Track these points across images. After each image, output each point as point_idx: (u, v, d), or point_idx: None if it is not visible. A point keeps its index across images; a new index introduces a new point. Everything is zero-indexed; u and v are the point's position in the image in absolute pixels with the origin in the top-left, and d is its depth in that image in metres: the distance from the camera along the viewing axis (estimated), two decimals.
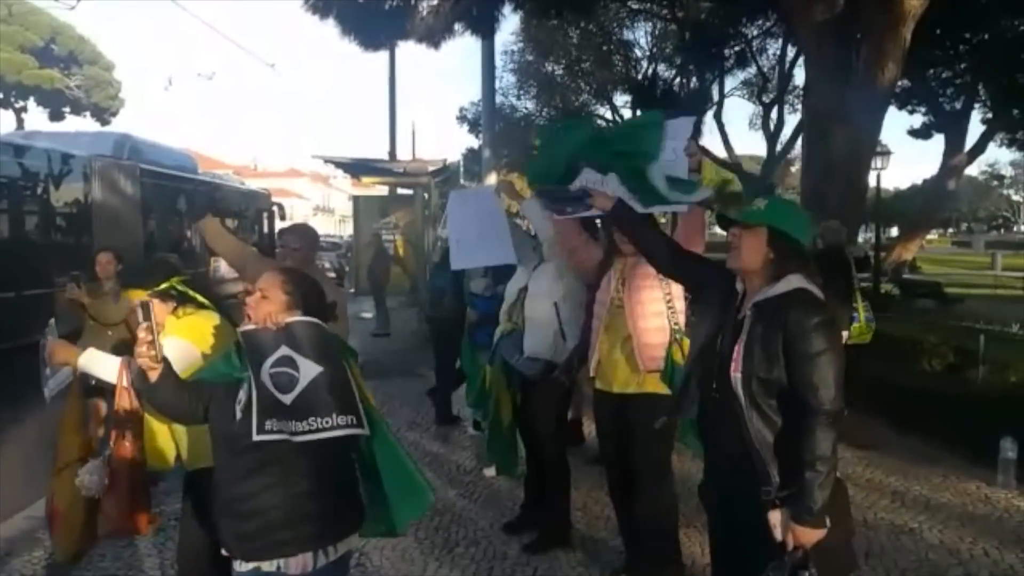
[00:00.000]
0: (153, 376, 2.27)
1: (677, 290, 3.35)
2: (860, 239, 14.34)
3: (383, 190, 15.88)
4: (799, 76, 21.28)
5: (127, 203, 12.38)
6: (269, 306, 2.20)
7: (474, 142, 31.25)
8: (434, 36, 12.18)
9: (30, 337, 5.48)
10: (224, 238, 3.92)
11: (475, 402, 4.34)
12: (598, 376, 3.47)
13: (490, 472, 5.08)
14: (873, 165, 13.12)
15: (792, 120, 22.74)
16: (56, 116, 33.73)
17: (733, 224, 2.41)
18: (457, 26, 12.17)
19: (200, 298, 2.85)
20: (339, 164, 11.47)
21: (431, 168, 11.35)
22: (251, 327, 2.15)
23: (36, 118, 33.49)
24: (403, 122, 52.84)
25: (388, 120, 18.14)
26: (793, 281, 2.28)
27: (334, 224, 60.85)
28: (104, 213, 11.68)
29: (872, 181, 13.54)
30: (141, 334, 2.26)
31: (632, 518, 3.64)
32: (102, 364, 2.62)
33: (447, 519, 4.50)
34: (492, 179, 12.50)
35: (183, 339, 2.71)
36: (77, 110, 34.44)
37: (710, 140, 24.73)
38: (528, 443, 4.16)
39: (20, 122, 32.58)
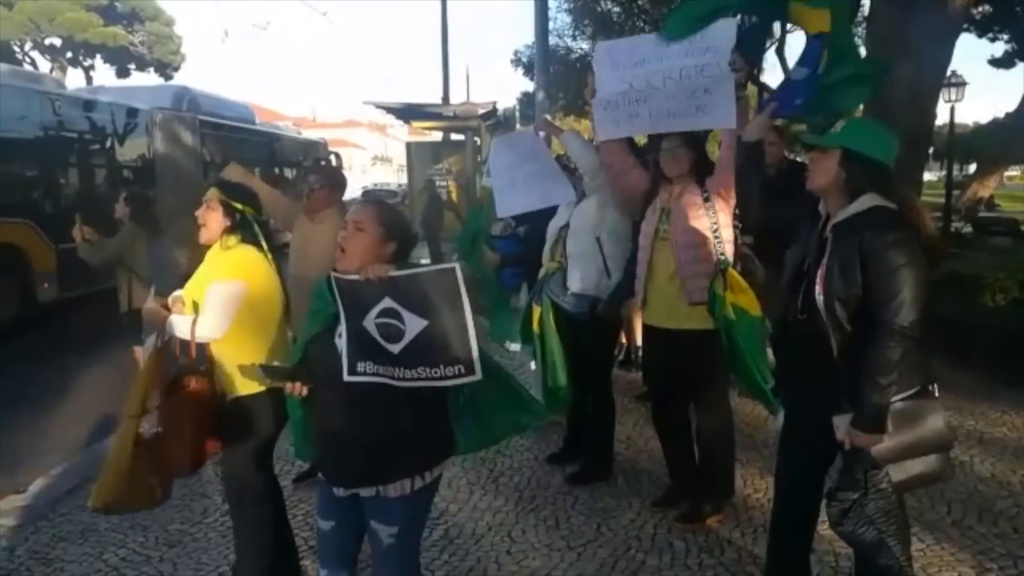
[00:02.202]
0: None
1: (724, 218, 3.30)
2: (933, 176, 13.76)
3: (437, 136, 15.91)
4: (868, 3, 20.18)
5: (187, 154, 12.71)
6: (365, 239, 2.19)
7: (529, 86, 30.63)
8: None
9: (98, 285, 5.76)
10: (250, 184, 3.93)
11: (524, 339, 4.35)
12: (645, 311, 3.48)
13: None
14: (945, 97, 12.45)
15: (862, 52, 21.62)
16: (122, 73, 34.52)
17: (812, 147, 2.43)
18: None
19: (259, 233, 2.92)
20: (390, 109, 11.51)
21: (481, 111, 11.26)
22: (351, 276, 2.10)
23: (103, 75, 34.56)
24: (458, 68, 52.30)
25: (441, 65, 18.04)
26: (867, 200, 2.31)
27: (392, 173, 61.17)
28: (166, 164, 12.04)
29: (944, 115, 12.88)
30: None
31: (676, 449, 3.69)
32: (180, 324, 2.78)
33: (493, 451, 4.58)
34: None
35: (228, 279, 2.79)
36: (141, 66, 35.14)
37: (772, 76, 23.79)
38: (575, 378, 4.19)
39: (89, 79, 33.52)
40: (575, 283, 3.83)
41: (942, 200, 16.42)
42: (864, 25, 20.72)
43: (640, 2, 25.64)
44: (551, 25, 23.99)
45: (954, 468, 2.54)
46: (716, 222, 3.31)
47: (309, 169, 4.85)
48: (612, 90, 3.37)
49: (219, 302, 2.77)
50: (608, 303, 3.67)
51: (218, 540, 3.61)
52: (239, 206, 2.91)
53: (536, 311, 3.97)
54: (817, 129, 2.94)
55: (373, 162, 62.08)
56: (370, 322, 2.09)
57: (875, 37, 10.07)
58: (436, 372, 2.06)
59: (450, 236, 13.19)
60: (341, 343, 2.15)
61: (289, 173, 17.96)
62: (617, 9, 27.07)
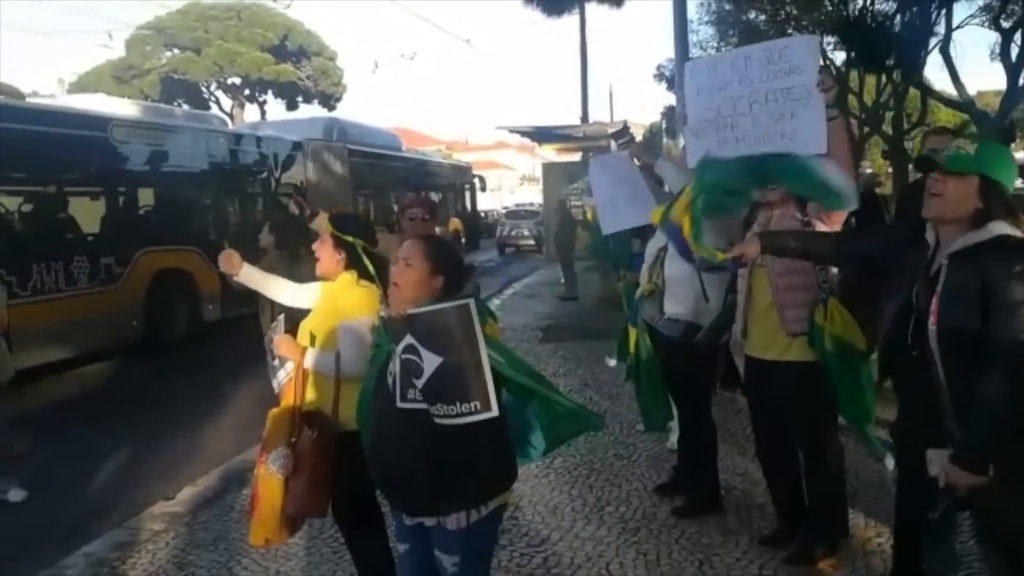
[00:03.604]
0: None
1: None
2: None
3: (576, 157, 15.98)
4: None
5: (337, 181, 13.54)
6: (413, 274, 2.29)
7: (673, 100, 30.33)
8: None
9: (256, 307, 6.26)
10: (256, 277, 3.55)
11: (617, 355, 4.34)
12: (745, 341, 3.34)
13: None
14: None
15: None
16: (291, 106, 37.30)
17: (934, 169, 2.26)
18: None
19: (368, 266, 2.97)
20: (524, 133, 11.71)
21: (611, 130, 11.23)
22: (386, 314, 2.23)
23: (275, 109, 37.34)
24: (602, 86, 52.26)
25: (580, 83, 18.17)
26: (994, 228, 2.15)
27: (539, 192, 62.08)
28: (318, 191, 12.89)
29: None
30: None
31: (782, 486, 3.50)
32: (322, 359, 2.87)
33: (602, 478, 4.55)
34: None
35: (359, 316, 2.85)
36: (308, 98, 37.83)
37: (939, 77, 22.01)
38: (676, 405, 4.10)
39: (263, 113, 36.53)
40: (670, 307, 3.74)
41: None
42: None
43: (788, 9, 24.60)
44: (694, 38, 23.54)
45: None
46: None
47: (409, 200, 4.96)
48: (701, 117, 3.29)
49: (355, 340, 2.81)
50: (708, 333, 3.53)
51: (329, 555, 3.80)
52: (349, 239, 2.98)
53: (632, 332, 3.91)
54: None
55: (521, 182, 63.22)
56: (398, 357, 2.17)
57: None
58: (452, 410, 2.07)
59: (584, 255, 13.20)
60: (390, 378, 2.25)
61: (435, 196, 18.69)
62: (763, 18, 26.12)
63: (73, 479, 5.26)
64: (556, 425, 2.39)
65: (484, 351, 2.04)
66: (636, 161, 4.21)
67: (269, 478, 2.82)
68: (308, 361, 2.90)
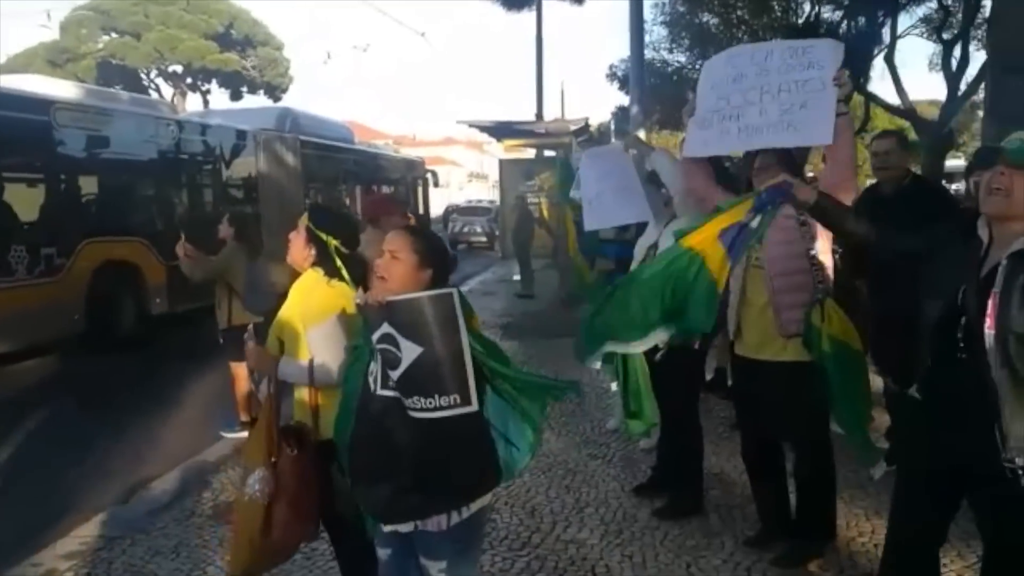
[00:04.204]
0: None
1: (823, 244, 3.08)
2: None
3: (530, 153, 15.94)
4: (988, 9, 18.95)
5: (289, 173, 13.17)
6: (400, 267, 2.19)
7: (624, 100, 30.45)
8: None
9: (207, 300, 6.04)
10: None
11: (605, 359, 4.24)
12: (737, 342, 3.29)
13: (611, 425, 5.07)
14: None
15: (979, 57, 20.32)
16: (235, 96, 36.39)
17: (996, 162, 2.13)
18: None
19: (341, 267, 2.77)
20: (483, 128, 11.59)
21: (573, 127, 11.20)
22: (362, 301, 2.12)
23: (218, 98, 36.41)
24: (553, 84, 52.55)
25: (535, 81, 18.11)
26: None
27: (487, 189, 61.95)
28: (268, 183, 12.52)
29: None
30: None
31: (767, 489, 3.47)
32: (293, 370, 2.68)
33: (579, 479, 4.48)
34: (641, 136, 12.18)
35: (324, 320, 2.68)
36: (253, 89, 36.96)
37: (881, 86, 22.66)
38: (660, 406, 4.03)
39: (206, 103, 35.53)
40: None
41: None
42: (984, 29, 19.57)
43: (739, 13, 25.03)
44: (648, 38, 23.70)
45: None
46: (813, 248, 3.09)
47: (380, 204, 4.85)
48: (708, 107, 3.21)
49: (327, 344, 2.65)
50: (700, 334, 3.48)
51: (302, 561, 3.63)
52: (323, 235, 2.79)
53: None
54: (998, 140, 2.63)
55: (469, 179, 63.07)
56: (374, 347, 2.08)
57: (996, 42, 9.41)
58: (431, 403, 1.98)
59: (541, 253, 13.17)
60: (371, 378, 2.18)
61: (387, 190, 18.40)
62: (715, 21, 26.52)
63: (14, 486, 4.95)
64: (534, 400, 2.30)
65: (466, 343, 1.96)
66: (629, 153, 4.10)
67: (249, 504, 2.60)
68: (281, 372, 2.71)
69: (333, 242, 2.80)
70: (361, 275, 2.83)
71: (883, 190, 4.13)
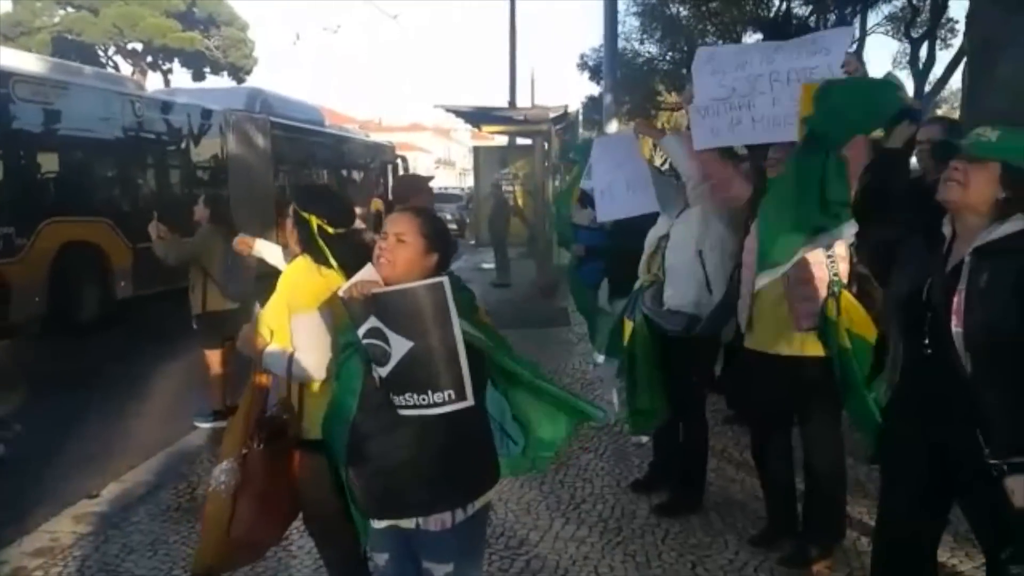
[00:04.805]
0: None
1: None
2: None
3: (502, 141, 15.75)
4: (954, 7, 19.29)
5: (259, 155, 12.81)
6: (406, 251, 2.03)
7: (594, 90, 30.44)
8: None
9: (175, 284, 5.78)
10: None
11: (606, 350, 4.12)
12: (749, 335, 3.18)
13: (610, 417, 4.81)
14: None
15: (944, 56, 20.70)
16: (198, 76, 35.49)
17: (954, 155, 2.11)
18: None
19: (324, 249, 2.54)
20: (459, 113, 11.39)
21: (552, 115, 11.05)
22: (346, 294, 1.96)
23: (180, 78, 35.51)
24: (523, 72, 52.54)
25: (508, 69, 17.91)
26: (1021, 221, 2.00)
27: (455, 177, 61.61)
28: (238, 164, 12.18)
29: None
30: None
31: (777, 487, 3.40)
32: (275, 359, 2.50)
33: (572, 474, 4.37)
34: (613, 126, 12.10)
35: (309, 310, 2.47)
36: (216, 70, 36.10)
37: None
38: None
39: (167, 83, 34.57)
40: (672, 298, 3.56)
41: None
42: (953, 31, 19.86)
43: (711, 5, 25.12)
44: (620, 28, 23.64)
45: None
46: None
47: (401, 185, 4.66)
48: (711, 95, 3.09)
49: (309, 337, 2.44)
50: (709, 324, 3.38)
51: (288, 561, 3.46)
52: (305, 215, 2.55)
53: (628, 325, 3.71)
54: (956, 137, 2.58)
55: (436, 165, 62.57)
56: (360, 342, 1.94)
57: (975, 38, 9.51)
58: (424, 399, 1.88)
59: (516, 241, 13.03)
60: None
61: (357, 175, 18.08)
62: (686, 12, 26.60)
63: None
64: (552, 420, 2.25)
65: (460, 335, 1.83)
66: (640, 139, 3.95)
67: (215, 495, 2.48)
68: (264, 359, 2.53)
69: (315, 221, 2.54)
70: (357, 259, 2.64)
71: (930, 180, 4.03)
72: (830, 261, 2.99)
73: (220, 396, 5.49)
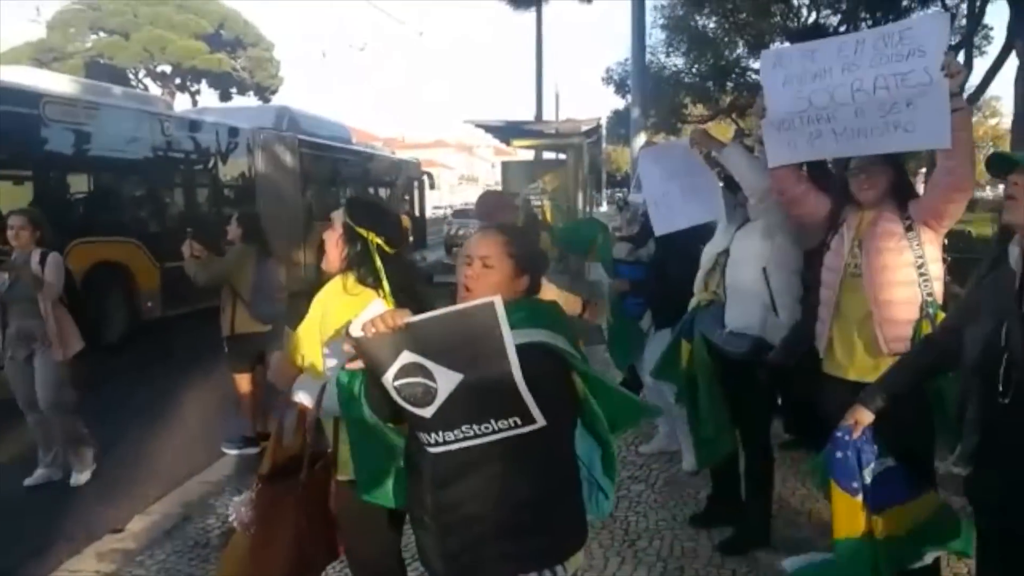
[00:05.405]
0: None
1: (932, 251, 2.67)
2: None
3: (528, 156, 15.56)
4: (991, 13, 18.82)
5: (287, 173, 12.74)
6: (494, 276, 1.80)
7: (619, 103, 30.29)
8: None
9: (198, 304, 5.60)
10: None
11: (664, 375, 3.82)
12: (828, 359, 2.87)
13: (688, 465, 4.49)
14: None
15: (980, 65, 20.20)
16: (225, 96, 36.01)
17: (1013, 170, 1.90)
18: None
19: (380, 269, 2.34)
20: (489, 128, 11.22)
21: (585, 127, 10.83)
22: (362, 335, 1.64)
23: (208, 99, 36.03)
24: (548, 86, 52.56)
25: (535, 83, 17.76)
26: None
27: (478, 192, 61.63)
28: (266, 183, 12.09)
29: None
30: None
31: None
32: (305, 391, 2.33)
33: (623, 505, 4.08)
34: (641, 140, 11.84)
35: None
36: (242, 90, 36.61)
37: None
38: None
39: (195, 103, 35.05)
40: (734, 320, 3.27)
41: None
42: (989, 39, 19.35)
43: (740, 16, 24.82)
44: (646, 41, 23.44)
45: None
46: (922, 256, 2.68)
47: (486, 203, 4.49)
48: (787, 109, 2.81)
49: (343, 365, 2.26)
50: (784, 350, 3.09)
51: None
52: (363, 232, 2.38)
53: (686, 348, 3.43)
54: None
55: (460, 181, 62.75)
56: (389, 385, 1.66)
57: None
58: (487, 428, 1.63)
59: (548, 257, 12.78)
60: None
61: (383, 192, 17.97)
62: (712, 25, 26.33)
63: None
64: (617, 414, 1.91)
65: (515, 362, 1.55)
66: (697, 152, 3.67)
67: (231, 528, 2.38)
68: (293, 389, 2.35)
69: (376, 239, 2.37)
70: (407, 281, 2.44)
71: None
72: (923, 280, 2.69)
73: (251, 421, 5.29)
